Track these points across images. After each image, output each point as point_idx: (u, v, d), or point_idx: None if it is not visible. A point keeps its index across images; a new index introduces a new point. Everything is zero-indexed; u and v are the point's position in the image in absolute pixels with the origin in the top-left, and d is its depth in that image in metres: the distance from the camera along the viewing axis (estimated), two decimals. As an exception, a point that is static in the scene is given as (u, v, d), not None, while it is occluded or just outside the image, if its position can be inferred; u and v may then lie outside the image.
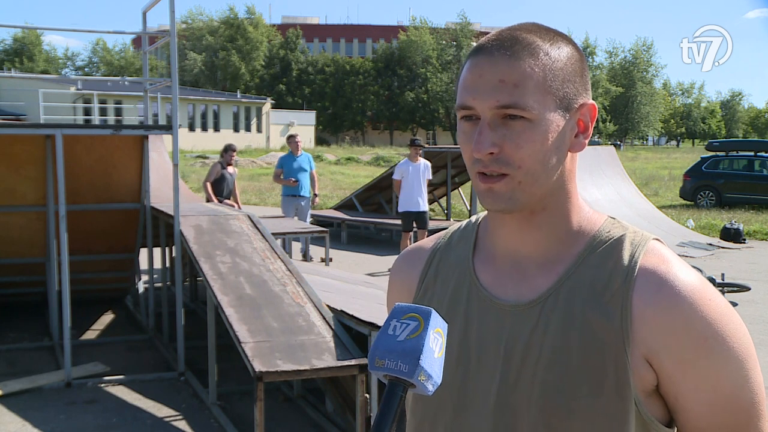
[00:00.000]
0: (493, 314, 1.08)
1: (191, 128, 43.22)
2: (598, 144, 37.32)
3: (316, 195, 10.48)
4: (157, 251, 7.52)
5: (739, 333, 1.00)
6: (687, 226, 14.51)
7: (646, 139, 77.64)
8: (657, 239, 1.07)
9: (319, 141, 54.96)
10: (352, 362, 4.16)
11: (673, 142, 79.86)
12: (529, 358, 1.03)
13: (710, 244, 12.88)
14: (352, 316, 4.48)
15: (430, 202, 13.27)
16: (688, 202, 19.15)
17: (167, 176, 6.96)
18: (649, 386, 1.01)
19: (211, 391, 5.25)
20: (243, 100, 48.14)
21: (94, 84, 34.24)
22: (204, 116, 45.52)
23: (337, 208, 14.88)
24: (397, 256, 1.28)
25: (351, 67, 61.58)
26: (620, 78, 64.62)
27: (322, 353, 4.24)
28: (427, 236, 1.28)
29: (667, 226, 13.56)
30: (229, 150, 9.42)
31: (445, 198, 15.06)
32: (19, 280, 7.78)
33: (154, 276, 7.48)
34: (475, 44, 1.15)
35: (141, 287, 7.96)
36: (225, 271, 5.22)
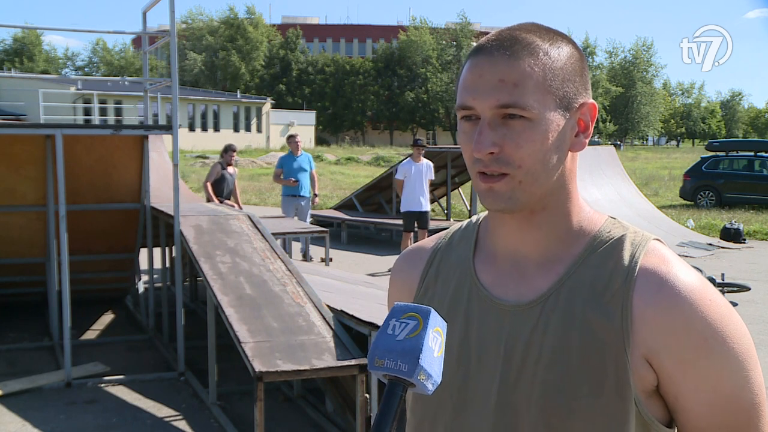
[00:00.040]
0: (493, 314, 1.08)
1: (191, 128, 43.23)
2: (598, 144, 37.32)
3: (316, 195, 10.48)
4: (157, 251, 7.52)
5: (740, 333, 1.00)
6: (687, 226, 14.52)
7: (646, 139, 77.65)
8: (657, 239, 1.07)
9: (319, 141, 54.96)
10: (352, 362, 4.16)
11: (673, 142, 79.86)
12: (530, 358, 1.03)
13: (710, 244, 12.88)
14: (352, 316, 4.48)
15: (430, 202, 13.27)
16: (688, 202, 19.15)
17: (167, 176, 6.96)
18: (649, 386, 1.01)
19: (211, 391, 5.25)
20: (243, 100, 48.15)
21: (94, 84, 34.25)
22: (204, 116, 45.53)
23: (337, 208, 14.88)
24: (397, 256, 1.28)
25: (351, 67, 61.58)
26: (620, 78, 64.62)
27: (322, 353, 4.24)
28: (428, 236, 1.28)
29: (667, 226, 13.56)
30: (229, 150, 9.43)
31: (445, 198, 15.06)
32: (19, 280, 7.78)
33: (154, 276, 7.47)
34: (475, 44, 1.15)
35: (141, 287, 7.96)
36: (225, 271, 5.22)
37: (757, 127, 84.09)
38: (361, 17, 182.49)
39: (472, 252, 1.15)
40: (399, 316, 0.88)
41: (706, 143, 30.80)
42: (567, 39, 1.06)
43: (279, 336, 4.39)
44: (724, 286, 8.09)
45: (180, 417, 5.05)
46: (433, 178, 9.83)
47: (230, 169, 9.40)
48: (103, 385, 5.66)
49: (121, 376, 5.78)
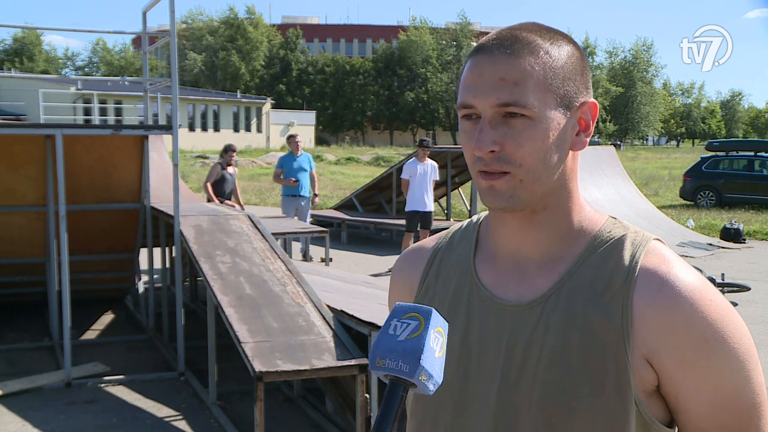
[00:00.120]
0: (494, 314, 1.08)
1: (191, 128, 43.22)
2: (598, 144, 37.31)
3: (316, 195, 10.48)
4: (157, 251, 7.52)
5: (740, 333, 1.00)
6: (687, 226, 14.52)
7: (646, 139, 77.64)
8: (658, 239, 1.07)
9: (319, 141, 54.96)
10: (352, 362, 4.16)
11: (673, 142, 79.86)
12: (530, 358, 1.03)
13: (710, 244, 12.88)
14: (352, 316, 4.48)
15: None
16: (688, 202, 19.15)
17: (167, 176, 6.96)
18: (649, 386, 1.01)
19: (211, 391, 5.25)
20: (243, 100, 48.14)
21: (94, 84, 34.24)
22: (204, 116, 45.52)
23: (337, 208, 14.88)
24: (397, 256, 1.28)
25: (351, 67, 61.59)
26: (620, 78, 64.62)
27: (322, 353, 4.24)
28: (429, 236, 1.28)
29: (667, 226, 13.56)
30: (228, 150, 9.43)
31: (445, 198, 15.06)
32: (19, 280, 7.78)
33: (154, 276, 7.47)
34: (475, 44, 1.15)
35: (141, 287, 7.96)
36: (225, 271, 5.22)
37: (757, 127, 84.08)
38: (361, 17, 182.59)
39: (472, 252, 1.15)
40: (400, 316, 0.88)
41: (706, 143, 30.80)
42: (567, 38, 1.06)
43: (279, 336, 4.39)
44: (724, 286, 8.09)
45: (180, 417, 5.05)
46: (437, 178, 9.93)
47: (230, 169, 9.40)
48: (103, 385, 5.66)
49: (121, 376, 5.78)
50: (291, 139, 10.33)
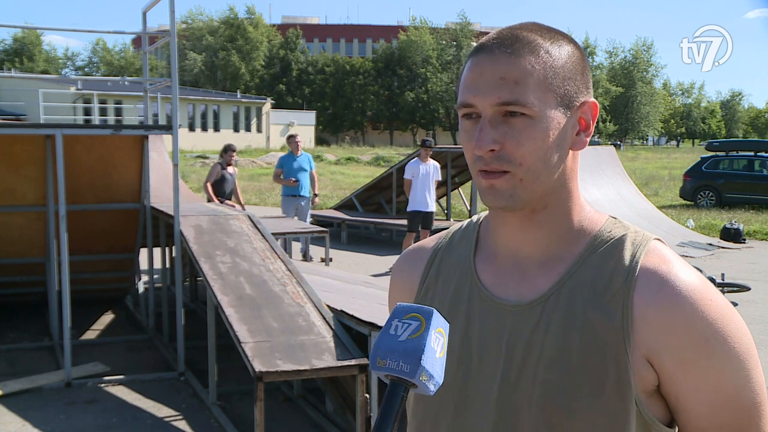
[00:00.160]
0: (494, 314, 1.08)
1: (191, 128, 43.22)
2: (598, 144, 37.32)
3: (316, 195, 10.48)
4: (157, 251, 7.52)
5: (740, 333, 1.00)
6: (687, 226, 14.52)
7: (646, 139, 77.64)
8: (658, 239, 1.07)
9: (319, 141, 54.96)
10: (352, 362, 4.16)
11: (673, 142, 79.86)
12: (530, 358, 1.03)
13: (710, 244, 12.88)
14: (352, 316, 4.48)
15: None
16: (688, 202, 19.15)
17: (167, 176, 6.96)
18: (650, 386, 1.01)
19: (211, 391, 5.25)
20: (243, 100, 48.14)
21: (94, 84, 34.24)
22: (204, 116, 45.52)
23: (337, 208, 14.88)
24: (398, 256, 1.28)
25: (351, 67, 61.59)
26: (620, 78, 64.62)
27: (322, 353, 4.24)
28: (429, 236, 1.28)
29: (667, 226, 13.56)
30: (228, 150, 9.43)
31: (445, 198, 15.06)
32: (19, 280, 7.78)
33: (154, 276, 7.47)
34: (475, 44, 1.15)
35: (141, 287, 7.96)
36: (225, 271, 5.22)
37: (757, 127, 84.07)
38: (361, 17, 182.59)
39: (472, 251, 1.15)
40: (401, 316, 0.88)
41: (706, 143, 30.80)
42: (568, 38, 1.06)
43: (279, 336, 4.39)
44: (724, 286, 8.09)
45: (180, 417, 5.05)
46: (440, 178, 9.98)
47: (230, 169, 9.40)
48: (103, 385, 5.66)
49: (121, 376, 5.78)
50: (291, 139, 10.33)
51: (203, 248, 5.57)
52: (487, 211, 1.14)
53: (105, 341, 6.98)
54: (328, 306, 4.81)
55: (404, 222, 12.61)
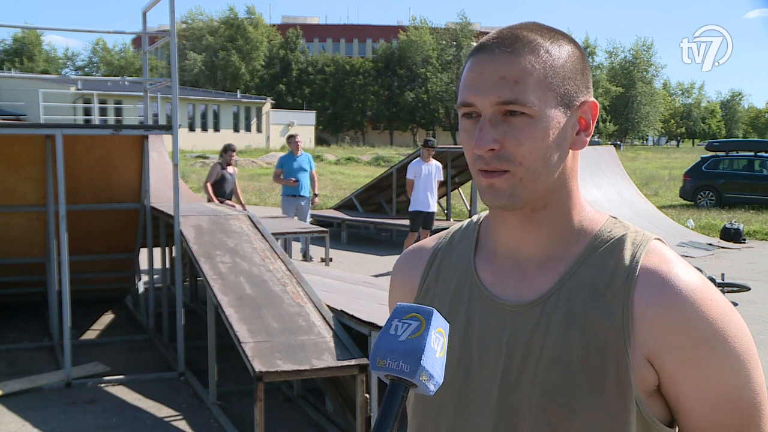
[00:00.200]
0: (494, 314, 1.08)
1: (191, 128, 43.22)
2: (598, 144, 37.31)
3: (316, 195, 10.48)
4: (157, 251, 7.52)
5: (741, 333, 1.00)
6: (687, 226, 14.52)
7: (646, 139, 77.64)
8: (658, 239, 1.07)
9: (319, 141, 54.96)
10: (352, 362, 4.16)
11: (673, 142, 79.86)
12: (531, 358, 1.03)
13: (710, 244, 12.88)
14: (352, 316, 4.48)
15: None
16: (688, 202, 19.15)
17: (167, 176, 6.96)
18: (650, 386, 1.01)
19: (211, 391, 5.25)
20: (243, 100, 48.14)
21: (94, 84, 34.24)
22: (204, 116, 45.52)
23: (337, 208, 14.88)
24: (398, 256, 1.28)
25: (351, 67, 61.59)
26: (620, 78, 64.62)
27: (322, 353, 4.24)
28: (430, 236, 1.28)
29: (667, 226, 13.56)
30: (228, 150, 9.42)
31: (445, 198, 15.06)
32: (19, 280, 7.78)
33: (154, 276, 7.47)
34: (475, 44, 1.15)
35: (141, 287, 7.96)
36: (225, 271, 5.22)
37: (757, 127, 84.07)
38: (361, 17, 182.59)
39: (472, 251, 1.15)
40: (401, 316, 0.88)
41: (706, 143, 30.80)
42: (568, 38, 1.06)
43: (279, 336, 4.39)
44: (724, 286, 8.09)
45: (180, 417, 5.05)
46: (441, 179, 9.98)
47: (230, 169, 9.40)
48: (103, 385, 5.66)
49: (121, 376, 5.78)
50: (291, 139, 10.33)
51: (203, 248, 5.57)
52: (487, 211, 1.14)
53: (105, 341, 6.98)
54: (328, 306, 4.81)
55: (404, 222, 12.63)
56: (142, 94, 7.51)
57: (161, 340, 6.81)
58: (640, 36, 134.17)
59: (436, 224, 10.30)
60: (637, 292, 1.00)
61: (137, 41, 50.50)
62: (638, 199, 14.58)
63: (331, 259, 9.67)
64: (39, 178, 6.71)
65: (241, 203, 9.49)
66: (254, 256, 5.51)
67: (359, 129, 61.97)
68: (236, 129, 47.07)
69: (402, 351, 0.84)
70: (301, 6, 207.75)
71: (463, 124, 1.05)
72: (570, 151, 1.05)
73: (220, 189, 9.19)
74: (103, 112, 34.99)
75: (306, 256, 9.74)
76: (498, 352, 1.06)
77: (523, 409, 1.03)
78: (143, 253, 7.71)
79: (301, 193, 10.02)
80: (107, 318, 7.80)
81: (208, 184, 9.17)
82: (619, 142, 59.66)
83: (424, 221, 9.64)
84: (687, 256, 11.24)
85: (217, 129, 45.47)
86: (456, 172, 14.44)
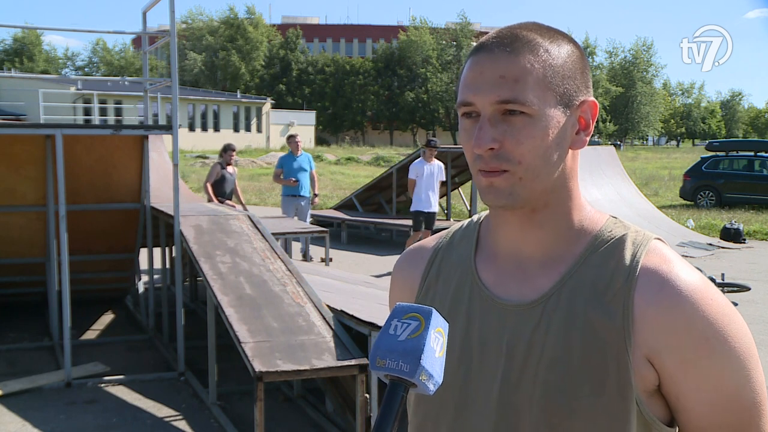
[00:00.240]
0: (495, 314, 1.08)
1: (191, 128, 43.22)
2: (598, 144, 37.31)
3: (316, 195, 10.48)
4: (157, 251, 7.52)
5: (741, 333, 1.00)
6: (687, 226, 14.52)
7: (646, 139, 77.63)
8: (659, 239, 1.07)
9: (319, 141, 54.96)
10: (352, 362, 4.16)
11: (673, 142, 79.85)
12: (531, 358, 1.03)
13: (710, 244, 12.88)
14: (352, 316, 4.48)
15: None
16: (688, 202, 19.15)
17: (167, 176, 6.96)
18: (650, 386, 1.01)
19: (211, 391, 5.25)
20: (243, 100, 48.14)
21: (94, 84, 34.24)
22: (204, 116, 45.52)
23: (337, 208, 14.88)
24: (398, 256, 1.28)
25: (351, 67, 61.59)
26: (620, 78, 64.62)
27: (322, 353, 4.24)
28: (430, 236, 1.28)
29: (667, 226, 13.56)
30: (228, 150, 9.42)
31: (445, 198, 15.06)
32: (19, 280, 7.78)
33: (154, 276, 7.47)
34: (475, 44, 1.15)
35: (141, 287, 7.96)
36: (225, 271, 5.22)
37: (757, 127, 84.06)
38: (361, 17, 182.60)
39: (473, 251, 1.15)
40: (401, 316, 0.88)
41: (706, 143, 30.80)
42: (567, 37, 1.06)
43: (279, 336, 4.39)
44: (724, 286, 8.08)
45: (180, 417, 5.05)
46: (444, 179, 9.98)
47: (230, 169, 9.39)
48: (103, 385, 5.66)
49: (121, 376, 5.78)
50: (291, 139, 10.33)
51: (203, 248, 5.57)
52: (487, 211, 1.14)
53: (105, 341, 6.98)
54: (328, 306, 4.81)
55: (404, 222, 12.65)
56: (142, 94, 7.51)
57: (161, 340, 6.81)
58: (640, 36, 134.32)
59: (437, 224, 10.31)
60: (638, 292, 1.00)
61: (137, 41, 50.51)
62: (638, 199, 14.58)
63: (331, 259, 9.67)
64: (39, 178, 6.71)
65: (241, 203, 9.49)
66: (254, 256, 5.51)
67: (359, 129, 61.97)
68: (236, 129, 47.07)
69: (401, 351, 0.84)
70: (301, 6, 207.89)
71: (462, 123, 1.05)
72: (570, 150, 1.05)
73: (220, 189, 9.19)
74: (103, 112, 35.00)
75: (306, 256, 9.74)
76: (499, 352, 1.06)
77: (523, 409, 1.03)
78: (143, 253, 7.71)
79: (301, 193, 10.02)
80: (107, 318, 7.80)
81: (208, 185, 9.17)
82: (619, 142, 59.67)
83: (425, 221, 9.65)
84: (687, 256, 11.24)
85: (217, 129, 45.47)
86: (456, 172, 14.44)
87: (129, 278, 8.23)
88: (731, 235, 13.46)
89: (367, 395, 4.17)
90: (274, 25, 64.13)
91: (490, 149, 1.00)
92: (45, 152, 6.38)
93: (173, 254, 7.66)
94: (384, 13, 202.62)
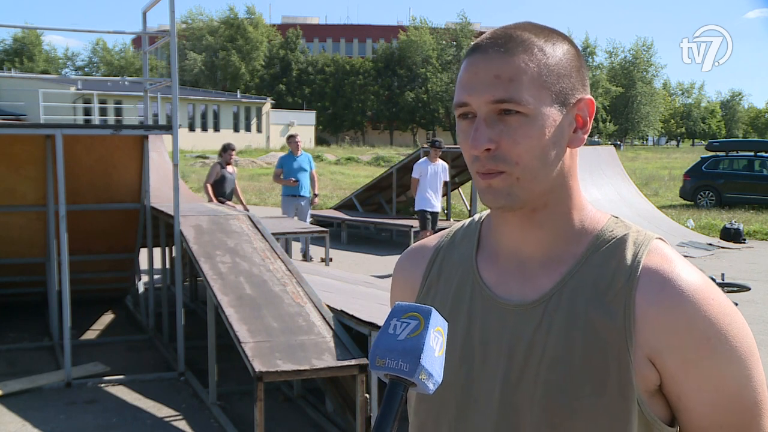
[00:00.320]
0: (496, 313, 1.08)
1: (191, 128, 43.22)
2: (598, 144, 37.30)
3: (316, 195, 10.48)
4: (157, 251, 7.51)
5: (742, 332, 1.00)
6: (687, 226, 14.52)
7: (646, 139, 77.63)
8: (660, 239, 1.07)
9: (319, 141, 54.96)
10: (352, 362, 4.16)
11: (673, 142, 79.85)
12: (532, 358, 1.03)
13: (710, 244, 12.88)
14: (352, 316, 4.48)
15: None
16: (688, 202, 19.15)
17: (167, 176, 6.96)
18: (651, 386, 1.01)
19: (211, 391, 5.24)
20: (243, 100, 48.14)
21: (94, 84, 34.25)
22: (204, 116, 45.52)
23: (337, 208, 14.88)
24: (398, 256, 1.28)
25: (351, 67, 61.58)
26: (620, 78, 64.60)
27: (322, 353, 4.23)
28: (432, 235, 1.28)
29: (667, 226, 13.56)
30: (227, 149, 9.42)
31: (445, 198, 15.05)
32: (19, 280, 7.78)
33: (154, 276, 7.47)
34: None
35: (141, 287, 7.96)
36: (225, 271, 5.22)
37: (757, 127, 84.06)
38: (361, 17, 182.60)
39: (474, 250, 1.14)
40: (400, 315, 0.88)
41: (706, 143, 30.79)
42: (562, 36, 1.06)
43: (279, 336, 4.39)
44: (724, 286, 8.08)
45: (180, 417, 5.05)
46: (447, 179, 10.06)
47: (230, 168, 9.39)
48: (103, 385, 5.66)
49: (121, 376, 5.78)
50: (291, 139, 10.33)
51: (203, 248, 5.57)
52: (488, 210, 1.14)
53: (105, 341, 6.98)
54: (328, 306, 4.81)
55: (404, 222, 12.67)
56: (142, 94, 7.51)
57: (161, 340, 6.81)
58: (640, 36, 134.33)
59: (438, 224, 10.32)
60: (639, 292, 1.00)
61: (137, 41, 50.51)
62: (638, 199, 14.58)
63: (331, 259, 9.68)
64: (39, 178, 6.71)
65: (242, 203, 9.49)
66: (254, 256, 5.51)
67: (359, 129, 61.96)
68: (236, 129, 47.07)
69: (401, 350, 0.84)
70: (301, 6, 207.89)
71: (460, 125, 1.05)
72: (567, 149, 1.05)
73: (221, 189, 9.19)
74: (103, 112, 35.00)
75: (306, 256, 9.74)
76: (500, 351, 1.06)
77: (524, 409, 1.03)
78: (143, 253, 7.71)
79: (301, 193, 10.02)
80: (107, 318, 7.80)
81: (208, 185, 9.16)
82: (619, 142, 59.61)
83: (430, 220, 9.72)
84: (687, 256, 11.24)
85: (217, 129, 45.47)
86: (456, 172, 14.43)
87: (129, 278, 8.23)
88: (731, 235, 13.46)
89: (367, 395, 4.17)
90: (274, 25, 64.12)
91: (487, 150, 1.00)
92: (45, 152, 6.38)
93: (173, 254, 7.66)
94: (384, 13, 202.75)
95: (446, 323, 0.89)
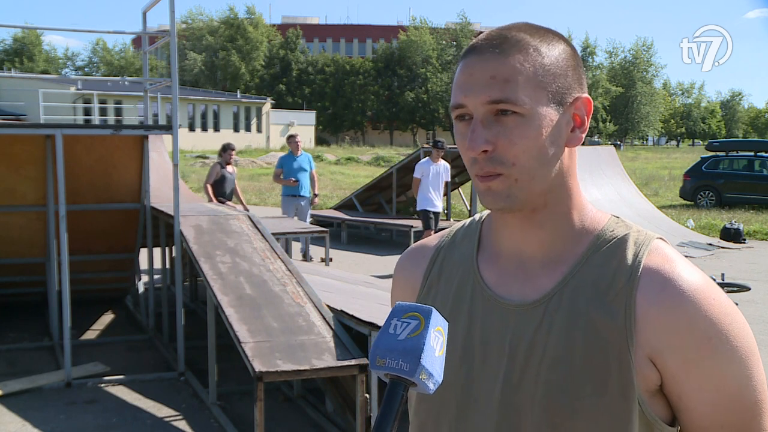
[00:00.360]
0: (497, 313, 1.08)
1: (191, 128, 43.23)
2: (598, 144, 37.30)
3: (316, 195, 10.48)
4: (157, 251, 7.51)
5: (743, 332, 1.00)
6: (687, 226, 14.52)
7: (646, 139, 77.64)
8: (661, 238, 1.07)
9: (319, 141, 54.96)
10: (352, 362, 4.16)
11: (673, 142, 79.85)
12: (533, 358, 1.03)
13: (710, 244, 12.88)
14: (352, 316, 4.48)
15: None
16: (688, 202, 19.15)
17: (167, 176, 6.96)
18: (652, 386, 1.01)
19: (211, 391, 5.24)
20: (243, 100, 48.15)
21: (94, 84, 34.25)
22: (204, 116, 45.52)
23: (337, 208, 14.88)
24: (398, 257, 1.28)
25: (351, 67, 61.58)
26: (620, 78, 64.59)
27: (322, 353, 4.23)
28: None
29: (667, 226, 13.56)
30: (227, 149, 9.42)
31: (445, 198, 15.05)
32: (19, 280, 7.78)
33: (154, 276, 7.47)
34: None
35: (141, 287, 7.96)
36: (225, 271, 5.22)
37: (757, 127, 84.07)
38: (361, 17, 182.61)
39: (475, 250, 1.14)
40: (400, 315, 0.88)
41: (706, 143, 30.79)
42: (558, 36, 1.06)
43: (279, 336, 4.39)
44: (724, 286, 8.08)
45: (180, 417, 5.05)
46: (448, 179, 10.08)
47: (229, 168, 9.39)
48: (103, 385, 5.66)
49: (121, 376, 5.78)
50: (291, 139, 10.33)
51: (203, 248, 5.57)
52: (488, 210, 1.14)
53: (105, 341, 6.98)
54: (328, 306, 4.81)
55: (404, 222, 12.68)
56: (142, 94, 7.51)
57: (161, 340, 6.81)
58: (640, 36, 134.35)
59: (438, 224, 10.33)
60: (640, 292, 1.00)
61: (137, 41, 50.51)
62: (638, 199, 14.58)
63: (331, 259, 9.68)
64: (39, 178, 6.71)
65: (242, 203, 9.49)
66: (254, 256, 5.51)
67: (359, 129, 61.96)
68: (236, 129, 47.07)
69: (401, 350, 0.84)
70: (301, 6, 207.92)
71: (457, 127, 1.05)
72: (566, 148, 1.05)
73: (221, 189, 9.19)
74: (103, 112, 35.00)
75: (306, 256, 9.74)
76: (501, 351, 1.06)
77: (525, 409, 1.03)
78: (143, 253, 7.71)
79: (301, 193, 10.03)
80: (107, 318, 7.80)
81: (208, 186, 9.16)
82: (619, 142, 59.61)
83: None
84: (687, 256, 11.18)
85: (217, 129, 45.48)
86: (456, 172, 14.42)
87: (129, 278, 8.23)
88: (731, 235, 13.46)
89: (367, 395, 4.17)
90: (274, 25, 64.13)
91: (484, 152, 1.00)
92: (45, 152, 6.38)
93: (173, 254, 7.66)
94: (384, 13, 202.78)
95: (447, 323, 0.89)
